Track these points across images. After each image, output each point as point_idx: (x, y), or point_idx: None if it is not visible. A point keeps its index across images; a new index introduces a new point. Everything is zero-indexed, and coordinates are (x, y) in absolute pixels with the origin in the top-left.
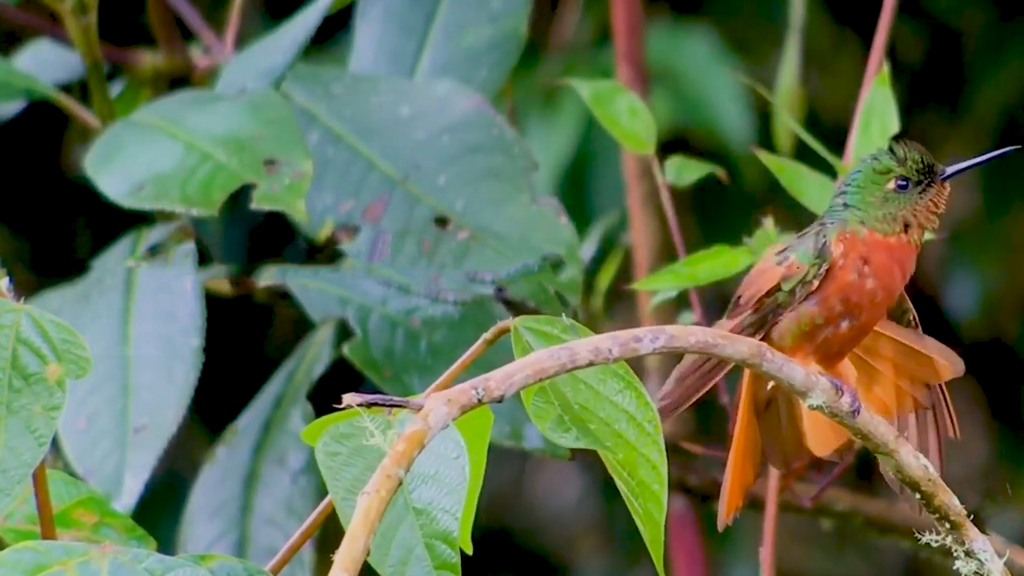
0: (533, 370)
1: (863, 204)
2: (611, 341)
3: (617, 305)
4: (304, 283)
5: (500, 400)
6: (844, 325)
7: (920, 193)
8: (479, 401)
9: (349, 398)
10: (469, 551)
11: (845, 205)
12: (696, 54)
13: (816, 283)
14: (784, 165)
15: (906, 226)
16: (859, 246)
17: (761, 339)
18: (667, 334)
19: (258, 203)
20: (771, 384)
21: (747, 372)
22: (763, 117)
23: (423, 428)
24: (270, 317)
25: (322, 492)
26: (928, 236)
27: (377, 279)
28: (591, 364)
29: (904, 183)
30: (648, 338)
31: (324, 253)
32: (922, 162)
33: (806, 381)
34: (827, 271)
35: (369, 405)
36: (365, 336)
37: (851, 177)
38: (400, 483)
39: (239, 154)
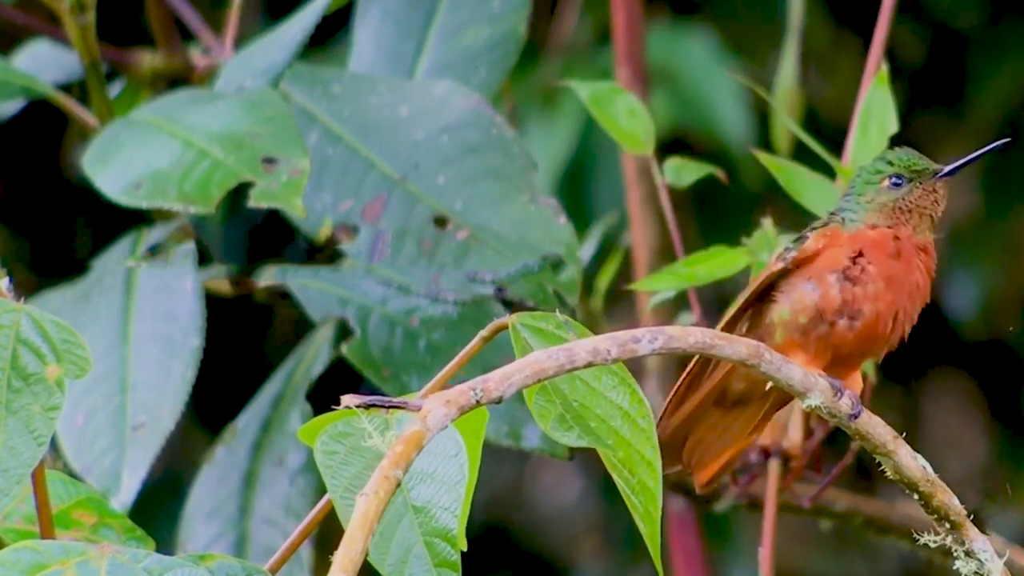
0: (532, 371)
1: (857, 206)
2: (610, 342)
3: (617, 305)
4: (304, 283)
5: (499, 401)
6: (842, 324)
7: (912, 190)
8: (477, 402)
9: (348, 399)
10: (464, 548)
11: (841, 209)
12: (696, 55)
13: (781, 266)
14: (783, 166)
15: (898, 220)
16: (843, 239)
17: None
18: (666, 335)
19: (256, 200)
20: (769, 385)
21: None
22: (762, 117)
23: (422, 429)
24: (270, 317)
25: (320, 492)
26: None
27: (377, 279)
28: (590, 365)
29: (898, 181)
30: (647, 339)
31: (324, 253)
32: (913, 161)
33: (804, 381)
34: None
35: (368, 406)
36: (364, 335)
37: (848, 188)
38: (399, 484)
39: (236, 151)
